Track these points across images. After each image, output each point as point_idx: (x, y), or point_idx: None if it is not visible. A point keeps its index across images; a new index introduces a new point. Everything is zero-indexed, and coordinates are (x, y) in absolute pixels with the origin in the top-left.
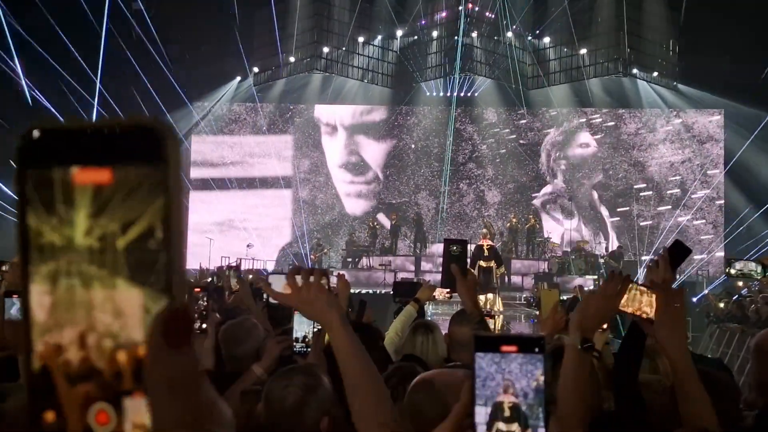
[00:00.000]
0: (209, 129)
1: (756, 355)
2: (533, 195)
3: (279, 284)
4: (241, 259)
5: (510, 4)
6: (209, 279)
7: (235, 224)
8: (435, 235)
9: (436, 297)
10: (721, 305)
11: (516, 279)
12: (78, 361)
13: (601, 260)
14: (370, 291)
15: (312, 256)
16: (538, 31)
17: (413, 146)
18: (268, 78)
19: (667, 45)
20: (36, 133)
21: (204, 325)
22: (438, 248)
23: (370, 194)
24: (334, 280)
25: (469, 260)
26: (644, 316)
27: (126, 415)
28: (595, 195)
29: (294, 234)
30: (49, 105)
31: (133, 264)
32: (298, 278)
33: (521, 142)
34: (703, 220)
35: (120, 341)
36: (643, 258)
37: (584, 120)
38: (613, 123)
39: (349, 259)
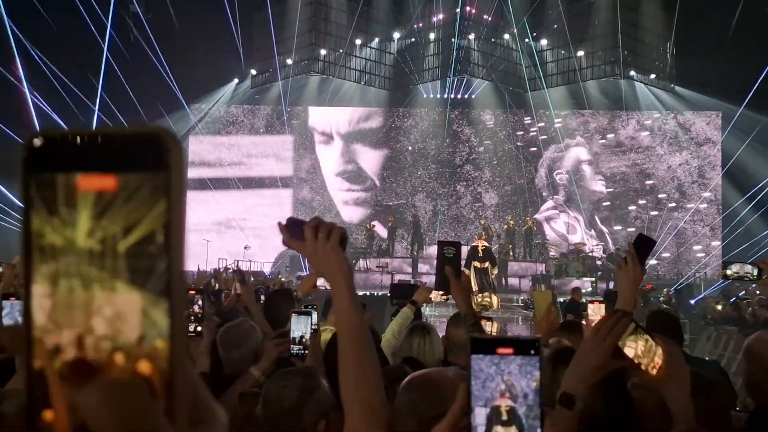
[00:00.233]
0: (207, 130)
1: (746, 357)
2: (539, 211)
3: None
4: (238, 261)
5: (507, 7)
6: (206, 281)
7: (233, 224)
8: (432, 237)
9: (433, 299)
10: (719, 308)
11: (513, 281)
12: (78, 361)
13: (599, 262)
14: (368, 293)
15: None
16: (535, 34)
17: (410, 148)
18: (266, 80)
19: (664, 47)
20: (42, 140)
21: (199, 328)
22: (435, 250)
23: (366, 202)
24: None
25: (463, 261)
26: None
27: None
28: (594, 212)
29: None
30: (49, 109)
31: (134, 267)
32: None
33: (518, 144)
34: (701, 222)
35: (118, 343)
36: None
37: (581, 122)
38: (610, 125)
39: None
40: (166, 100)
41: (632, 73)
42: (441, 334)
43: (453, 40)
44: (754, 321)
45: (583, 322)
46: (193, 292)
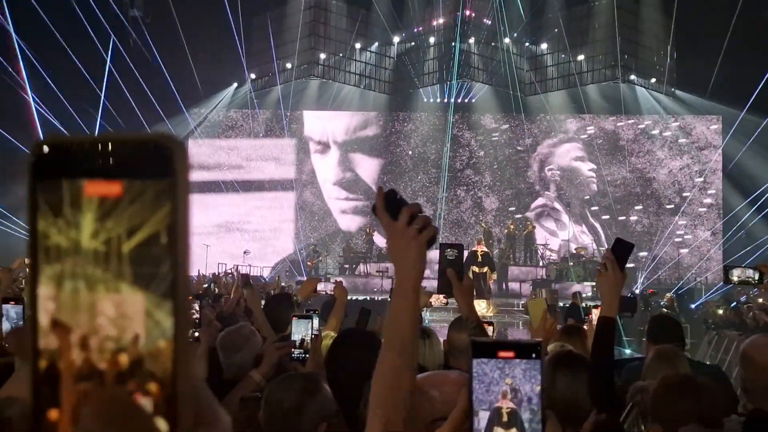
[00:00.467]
0: (206, 135)
1: (742, 360)
2: (530, 208)
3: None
4: (238, 266)
5: (507, 11)
6: (206, 285)
7: (234, 227)
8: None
9: (433, 303)
10: (720, 312)
11: (514, 285)
12: (82, 361)
13: (598, 268)
14: (368, 297)
15: (309, 263)
16: (535, 38)
17: (410, 153)
18: (265, 84)
19: (664, 51)
20: (49, 146)
21: (196, 333)
22: (435, 255)
23: (364, 211)
24: (330, 287)
25: None
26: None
27: None
28: (586, 207)
29: (292, 238)
30: (51, 116)
31: (138, 269)
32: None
33: (518, 148)
34: (702, 227)
35: (122, 344)
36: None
37: (580, 126)
38: (611, 129)
39: (346, 266)
40: (165, 104)
41: (632, 77)
42: (441, 338)
43: (453, 44)
44: (755, 325)
45: (585, 327)
46: (190, 297)
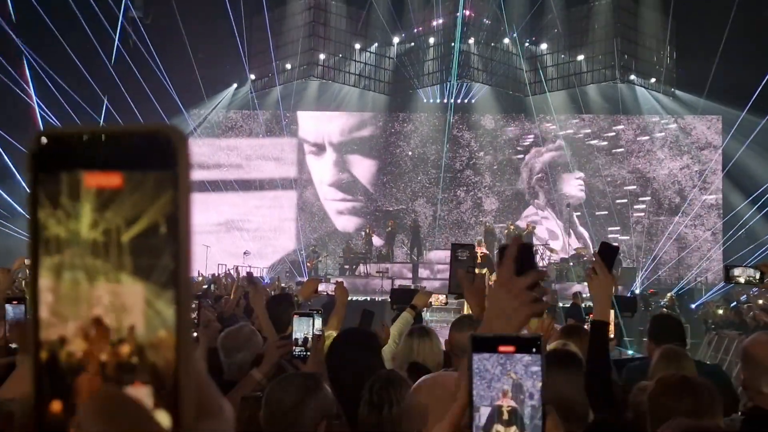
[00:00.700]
0: (206, 135)
1: (742, 358)
2: (521, 216)
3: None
4: (238, 266)
5: (507, 11)
6: (205, 286)
7: (234, 225)
8: (432, 242)
9: (433, 303)
10: (720, 312)
11: None
12: (82, 352)
13: (587, 272)
14: (368, 298)
15: (308, 263)
16: (534, 38)
17: (410, 153)
18: (265, 85)
19: (664, 51)
20: (49, 138)
21: (195, 334)
22: (435, 255)
23: (361, 211)
24: (331, 287)
25: None
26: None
27: None
28: (575, 214)
29: (292, 237)
30: (53, 118)
31: (141, 262)
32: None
33: (518, 149)
34: (702, 227)
35: (124, 335)
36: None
37: (580, 126)
38: (611, 130)
39: (346, 267)
40: (165, 105)
41: (632, 77)
42: (441, 339)
43: (453, 44)
44: (755, 325)
45: (586, 326)
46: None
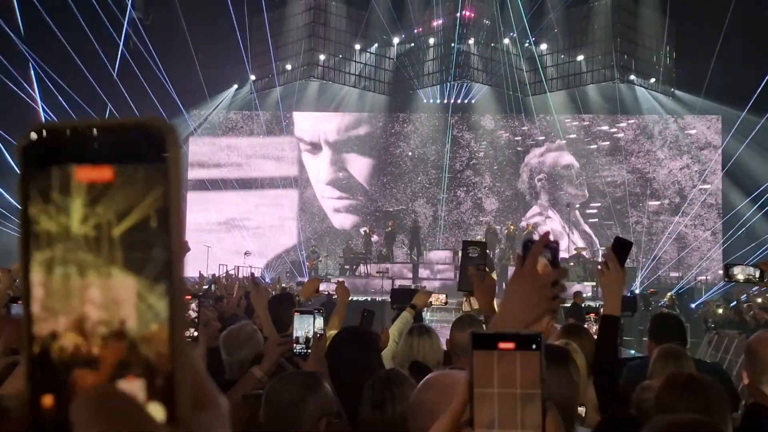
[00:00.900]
0: (206, 135)
1: (747, 354)
2: (526, 217)
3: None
4: (239, 267)
5: (507, 12)
6: (206, 287)
7: (236, 224)
8: (433, 242)
9: (433, 303)
10: (720, 311)
11: None
12: (75, 346)
13: (599, 267)
14: (368, 298)
15: (308, 263)
16: (534, 38)
17: (410, 154)
18: (265, 86)
19: (664, 51)
20: (39, 133)
21: (195, 333)
22: (435, 255)
23: (357, 209)
24: (333, 287)
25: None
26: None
27: None
28: (578, 213)
29: (292, 235)
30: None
31: (132, 255)
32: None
33: (518, 149)
34: (702, 227)
35: (117, 329)
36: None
37: (580, 126)
38: (611, 130)
39: (347, 267)
40: (165, 105)
41: (632, 77)
42: (442, 339)
43: (452, 45)
44: (755, 324)
45: (586, 325)
46: (188, 297)
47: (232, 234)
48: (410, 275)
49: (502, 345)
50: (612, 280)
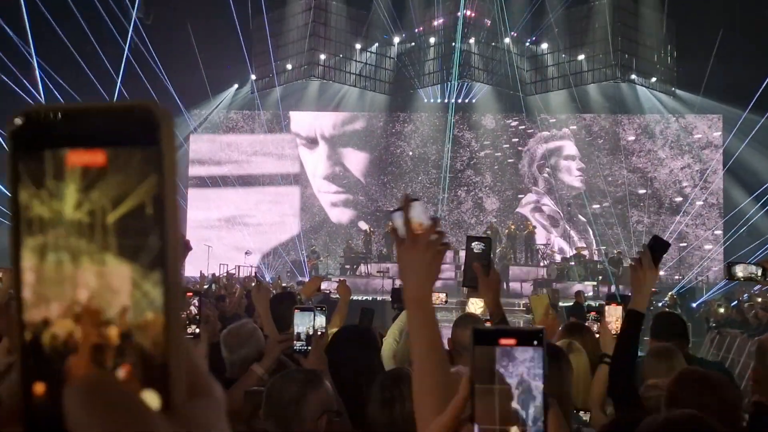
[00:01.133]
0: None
1: (758, 353)
2: (521, 203)
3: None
4: (239, 266)
5: (507, 11)
6: (206, 286)
7: (238, 220)
8: None
9: (433, 301)
10: (721, 310)
11: (515, 285)
12: (68, 333)
13: (600, 266)
14: (369, 298)
15: (308, 263)
16: (535, 38)
17: (411, 153)
18: (266, 85)
19: (665, 51)
20: (28, 117)
21: (197, 330)
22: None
23: (354, 203)
24: (334, 286)
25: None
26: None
27: None
28: (573, 205)
29: (292, 232)
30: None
31: (127, 241)
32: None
33: (519, 148)
34: (703, 226)
35: (111, 316)
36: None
37: (580, 125)
38: (612, 129)
39: (347, 266)
40: (164, 105)
41: (633, 76)
42: (443, 338)
43: (453, 44)
44: (757, 323)
45: (587, 324)
46: (189, 294)
47: (233, 231)
48: None
49: (504, 341)
50: (643, 277)
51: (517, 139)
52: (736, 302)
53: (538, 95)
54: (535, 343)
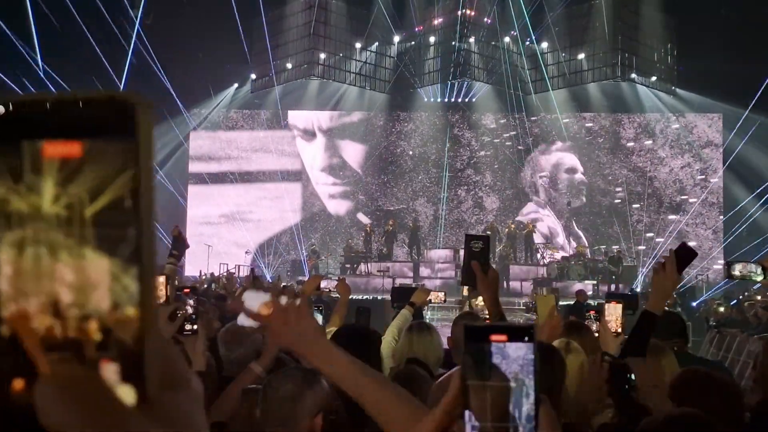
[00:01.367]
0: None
1: (764, 351)
2: (521, 213)
3: (256, 302)
4: (239, 266)
5: (507, 10)
6: (205, 286)
7: (238, 217)
8: (433, 241)
9: (432, 300)
10: (721, 310)
11: (515, 284)
12: (46, 328)
13: (600, 265)
14: (369, 297)
15: (308, 262)
16: (535, 36)
17: (411, 152)
18: (265, 84)
19: (665, 49)
20: (4, 107)
21: (195, 327)
22: (436, 254)
23: (351, 195)
24: (334, 284)
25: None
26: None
27: None
28: (573, 221)
29: (292, 230)
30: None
31: (101, 233)
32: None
33: (519, 147)
34: (703, 225)
35: (88, 309)
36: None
37: (581, 125)
38: (612, 128)
39: (347, 266)
40: (165, 104)
41: (633, 75)
42: (443, 338)
43: (453, 43)
44: (757, 322)
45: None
46: (186, 290)
47: (233, 227)
48: (411, 274)
49: (495, 337)
50: (665, 282)
51: (515, 141)
52: (736, 301)
53: (539, 94)
54: (526, 339)
